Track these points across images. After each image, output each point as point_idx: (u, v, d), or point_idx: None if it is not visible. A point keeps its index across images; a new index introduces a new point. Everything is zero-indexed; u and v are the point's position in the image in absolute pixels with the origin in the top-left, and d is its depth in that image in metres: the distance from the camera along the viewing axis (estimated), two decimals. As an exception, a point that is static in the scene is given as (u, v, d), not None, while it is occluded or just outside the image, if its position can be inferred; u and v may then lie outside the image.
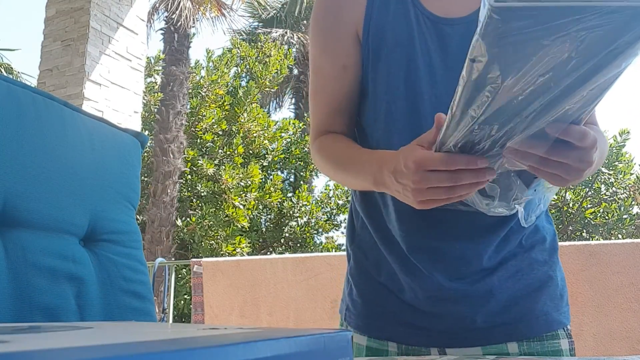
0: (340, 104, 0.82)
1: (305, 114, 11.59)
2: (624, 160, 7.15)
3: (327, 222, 9.49)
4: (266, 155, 9.70)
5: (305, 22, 12.92)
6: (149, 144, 8.02)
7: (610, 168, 7.13)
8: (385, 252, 0.79)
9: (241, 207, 8.50)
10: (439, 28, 0.74)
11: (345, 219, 9.86)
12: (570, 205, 7.27)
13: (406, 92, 0.74)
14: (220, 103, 9.37)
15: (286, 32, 12.43)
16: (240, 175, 8.54)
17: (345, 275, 0.88)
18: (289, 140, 10.20)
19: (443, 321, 0.76)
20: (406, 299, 0.78)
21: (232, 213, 8.31)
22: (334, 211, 9.66)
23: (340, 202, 9.63)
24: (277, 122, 10.19)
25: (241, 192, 8.58)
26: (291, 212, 9.17)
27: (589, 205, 7.34)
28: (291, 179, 10.58)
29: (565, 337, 0.77)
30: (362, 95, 0.82)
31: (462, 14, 0.75)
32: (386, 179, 0.65)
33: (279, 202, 9.06)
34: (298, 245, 9.41)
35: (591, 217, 7.25)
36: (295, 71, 13.01)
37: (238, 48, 10.31)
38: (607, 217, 7.02)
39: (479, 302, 0.75)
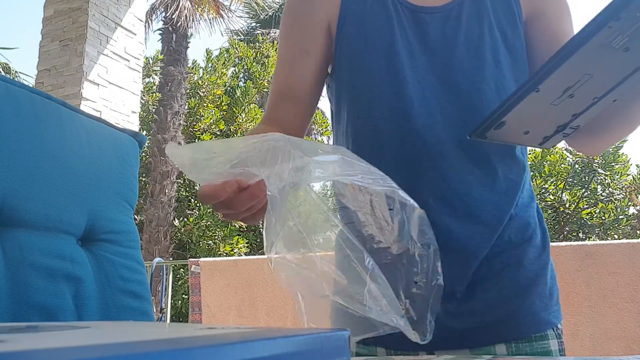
0: (291, 90, 0.80)
1: (303, 114, 11.57)
2: (621, 161, 7.17)
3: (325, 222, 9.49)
4: (264, 156, 9.69)
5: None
6: (146, 144, 8.00)
7: (607, 169, 7.15)
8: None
9: (239, 207, 8.49)
10: (417, 16, 0.75)
11: (343, 219, 9.83)
12: (567, 205, 7.29)
13: (389, 76, 0.74)
14: (218, 103, 9.37)
15: (284, 33, 12.41)
16: (238, 176, 8.53)
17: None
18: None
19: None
20: None
21: (230, 213, 8.30)
22: (332, 211, 9.65)
23: (338, 202, 9.62)
24: (275, 122, 10.18)
25: (239, 192, 8.57)
26: (289, 212, 9.16)
27: (585, 206, 7.36)
28: (289, 179, 10.57)
29: (554, 338, 0.75)
30: (337, 83, 0.80)
31: (439, 3, 0.76)
32: None
33: (276, 202, 9.05)
34: (296, 245, 9.40)
35: (587, 217, 7.27)
36: (293, 71, 12.98)
37: (236, 48, 10.30)
38: (603, 218, 7.04)
39: (461, 299, 0.73)
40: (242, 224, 8.36)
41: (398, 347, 0.76)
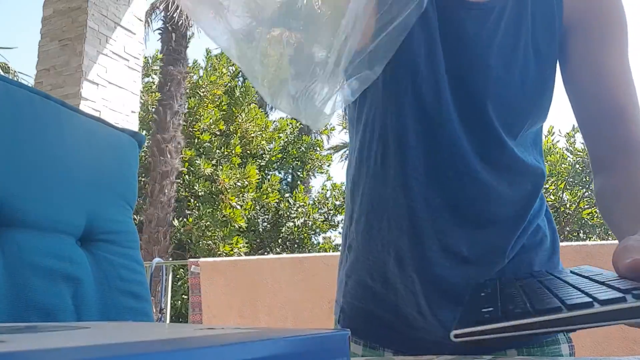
0: None
1: (303, 114, 11.57)
2: (621, 161, 7.18)
3: (325, 222, 9.50)
4: (263, 156, 9.70)
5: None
6: (146, 144, 8.01)
7: (607, 169, 7.15)
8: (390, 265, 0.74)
9: (238, 207, 8.49)
10: (452, 10, 0.67)
11: (343, 219, 9.88)
12: (568, 205, 7.29)
13: (426, 70, 0.66)
14: (218, 103, 9.37)
15: (284, 32, 12.42)
16: (238, 176, 8.53)
17: (338, 275, 0.85)
18: (286, 140, 10.20)
19: (437, 332, 0.72)
20: (401, 312, 0.74)
21: (230, 213, 8.31)
22: (331, 212, 9.67)
23: (338, 202, 9.63)
24: (275, 122, 10.20)
25: (238, 193, 8.57)
26: (288, 213, 9.16)
27: (586, 206, 7.36)
28: (288, 179, 10.58)
29: (565, 342, 0.74)
30: None
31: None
32: None
33: (276, 202, 9.06)
34: (295, 245, 9.41)
35: (588, 217, 7.27)
36: (293, 71, 12.98)
37: (236, 48, 10.30)
38: (603, 218, 7.04)
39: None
40: (241, 223, 8.36)
41: (405, 350, 0.75)
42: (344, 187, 8.97)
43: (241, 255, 7.89)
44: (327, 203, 9.61)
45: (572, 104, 0.72)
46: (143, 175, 8.85)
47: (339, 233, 10.39)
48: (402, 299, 0.74)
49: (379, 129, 0.71)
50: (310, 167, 10.13)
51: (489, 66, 0.67)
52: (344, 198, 9.51)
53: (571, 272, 0.40)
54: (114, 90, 4.74)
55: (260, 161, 9.60)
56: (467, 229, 0.70)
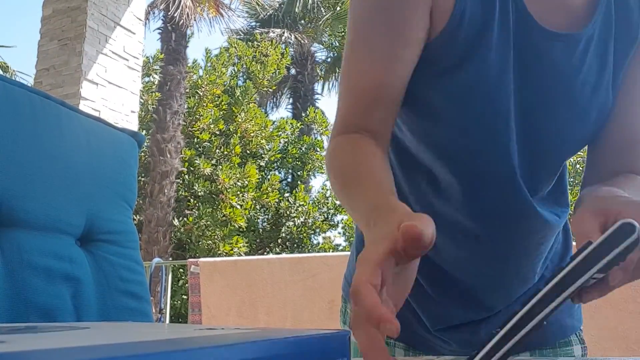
0: (388, 90, 0.60)
1: (303, 114, 11.59)
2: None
3: (324, 222, 9.50)
4: (263, 155, 9.70)
5: (302, 22, 12.92)
6: (146, 144, 8.01)
7: (607, 169, 7.17)
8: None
9: (238, 207, 8.49)
10: (535, 39, 0.59)
11: (342, 219, 9.88)
12: (567, 205, 7.31)
13: (484, 115, 0.60)
14: (217, 103, 9.37)
15: (284, 32, 12.43)
16: (238, 175, 8.53)
17: (353, 253, 0.81)
18: (286, 140, 10.20)
19: (453, 343, 0.73)
20: (420, 312, 0.73)
21: (230, 213, 8.31)
22: (331, 211, 9.67)
23: (338, 202, 9.62)
24: (275, 122, 10.20)
25: (238, 192, 8.57)
26: (288, 212, 9.16)
27: (585, 206, 7.38)
28: (288, 179, 10.58)
29: (578, 343, 0.73)
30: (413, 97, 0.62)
31: (564, 29, 0.59)
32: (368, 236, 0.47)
33: (276, 202, 9.06)
34: (295, 245, 9.41)
35: (587, 217, 7.28)
36: (293, 71, 13.00)
37: (235, 47, 10.31)
38: (603, 218, 7.05)
39: (489, 319, 0.71)
40: (241, 223, 8.36)
41: (418, 347, 0.75)
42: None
43: (241, 255, 7.89)
44: (327, 203, 9.61)
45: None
46: (143, 175, 8.85)
47: (339, 233, 10.39)
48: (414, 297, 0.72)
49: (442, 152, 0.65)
50: (310, 167, 10.13)
51: (572, 102, 0.61)
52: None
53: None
54: (113, 90, 4.74)
55: (260, 161, 9.60)
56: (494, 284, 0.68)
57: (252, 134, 9.39)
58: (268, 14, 12.90)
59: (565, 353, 0.72)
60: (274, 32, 12.25)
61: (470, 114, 0.61)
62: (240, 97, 9.28)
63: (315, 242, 9.85)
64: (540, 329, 0.37)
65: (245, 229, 8.68)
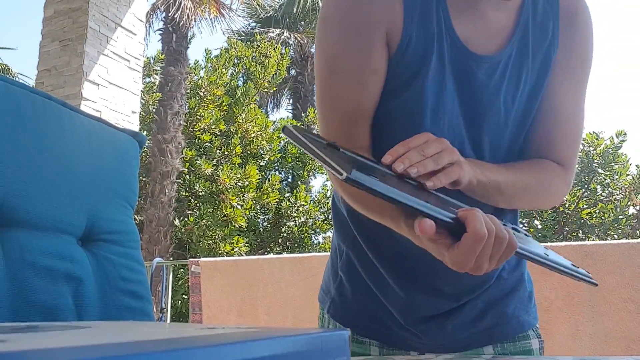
0: (363, 109, 0.71)
1: (303, 114, 11.59)
2: (620, 162, 7.17)
3: (325, 222, 9.49)
4: (264, 156, 9.69)
5: (302, 22, 12.92)
6: (147, 144, 8.00)
7: (607, 169, 7.15)
8: (378, 266, 0.79)
9: (239, 207, 8.49)
10: (466, 63, 0.70)
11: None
12: (567, 205, 7.29)
13: (431, 124, 0.70)
14: (218, 103, 9.37)
15: (283, 32, 12.43)
16: (238, 176, 8.53)
17: (328, 265, 0.88)
18: (287, 140, 10.18)
19: (423, 336, 0.79)
20: (392, 309, 0.80)
21: (230, 213, 8.30)
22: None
23: (338, 202, 9.60)
24: (275, 122, 10.19)
25: (239, 192, 8.57)
26: (289, 212, 9.16)
27: (585, 206, 7.36)
28: (289, 179, 10.57)
29: (535, 337, 0.81)
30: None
31: (489, 52, 0.70)
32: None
33: (276, 202, 9.05)
34: (296, 245, 9.41)
35: (587, 217, 7.27)
36: (293, 72, 12.99)
37: (235, 48, 10.30)
38: (603, 218, 7.04)
39: (450, 313, 0.78)
40: (242, 223, 8.36)
41: (391, 344, 0.81)
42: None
43: (242, 255, 7.89)
44: (327, 202, 9.60)
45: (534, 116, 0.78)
46: (144, 175, 8.85)
47: (339, 233, 10.36)
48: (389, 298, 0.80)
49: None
50: (310, 167, 10.13)
51: (498, 111, 0.72)
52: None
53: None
54: (114, 91, 4.74)
55: (260, 161, 9.59)
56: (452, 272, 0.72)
57: (252, 135, 9.38)
58: (268, 14, 12.89)
59: (524, 346, 0.80)
60: (273, 32, 12.25)
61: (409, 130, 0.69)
62: (241, 98, 9.27)
63: (315, 242, 9.85)
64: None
65: (245, 229, 8.68)
